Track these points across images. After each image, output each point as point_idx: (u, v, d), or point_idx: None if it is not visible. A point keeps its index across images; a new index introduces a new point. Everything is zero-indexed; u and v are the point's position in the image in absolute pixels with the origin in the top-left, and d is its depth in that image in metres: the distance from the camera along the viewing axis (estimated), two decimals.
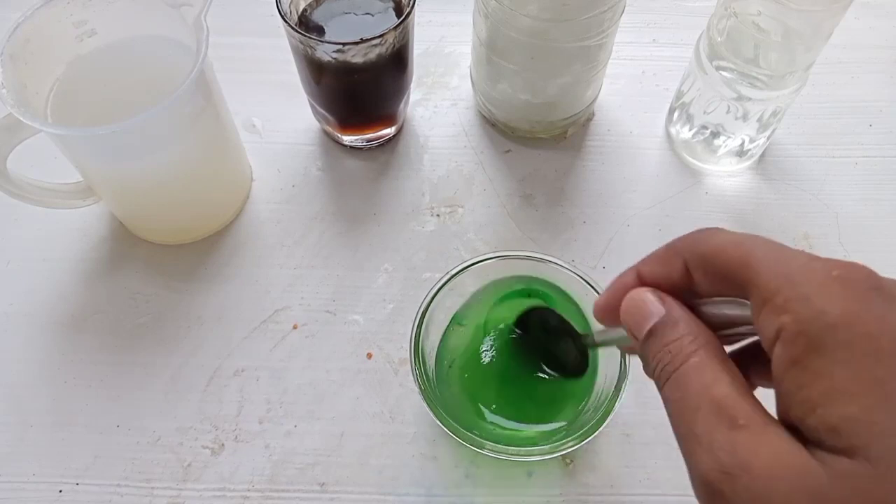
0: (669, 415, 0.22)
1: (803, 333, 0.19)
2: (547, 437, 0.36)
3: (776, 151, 0.51)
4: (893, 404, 0.18)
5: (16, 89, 0.37)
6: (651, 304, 0.23)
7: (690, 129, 0.49)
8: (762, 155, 0.50)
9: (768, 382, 0.21)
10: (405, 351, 0.42)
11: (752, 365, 0.23)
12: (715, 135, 0.48)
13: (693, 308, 0.23)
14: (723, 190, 0.49)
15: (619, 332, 0.27)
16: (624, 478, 0.39)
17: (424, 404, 0.35)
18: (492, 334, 0.38)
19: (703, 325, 0.23)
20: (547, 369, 0.37)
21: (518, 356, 0.38)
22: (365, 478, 0.39)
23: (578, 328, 0.35)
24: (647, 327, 0.23)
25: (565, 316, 0.36)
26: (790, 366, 0.19)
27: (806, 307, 0.19)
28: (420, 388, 0.35)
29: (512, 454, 0.34)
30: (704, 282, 0.23)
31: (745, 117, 0.45)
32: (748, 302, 0.21)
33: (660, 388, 0.22)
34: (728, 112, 0.46)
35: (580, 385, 0.38)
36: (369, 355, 0.43)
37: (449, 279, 0.38)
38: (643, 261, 0.25)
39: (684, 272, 0.24)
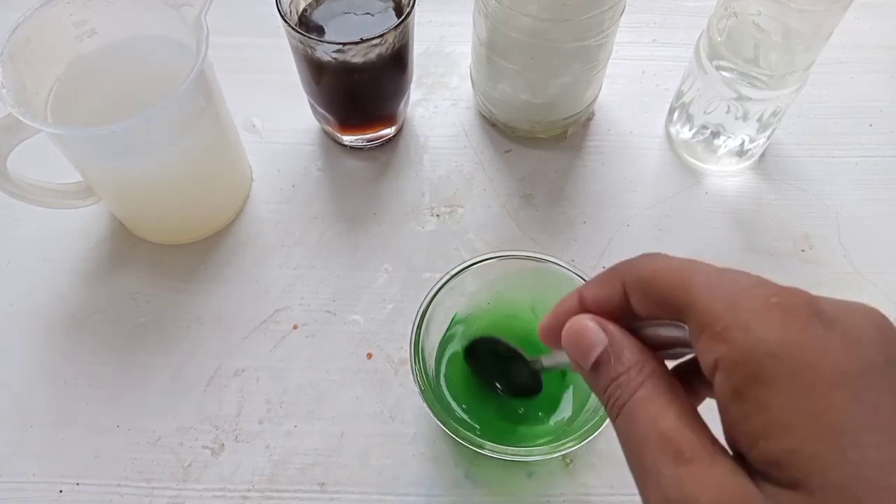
0: (622, 448, 0.21)
1: (742, 363, 0.19)
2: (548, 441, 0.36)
3: (776, 151, 0.51)
4: (833, 436, 0.18)
5: (16, 89, 0.37)
6: (593, 333, 0.23)
7: (690, 129, 0.49)
8: (762, 155, 0.50)
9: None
10: (405, 351, 0.42)
11: (698, 378, 0.23)
12: (715, 135, 0.48)
13: (633, 331, 0.23)
14: (723, 190, 0.49)
15: (564, 358, 0.26)
16: (624, 478, 0.39)
17: (424, 404, 0.35)
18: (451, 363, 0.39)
19: (647, 351, 0.22)
20: (502, 391, 0.38)
21: (477, 381, 0.39)
22: (365, 478, 0.39)
23: (527, 354, 0.35)
24: (592, 358, 0.23)
25: (512, 343, 0.36)
26: (732, 397, 0.19)
27: (744, 336, 0.19)
28: (420, 388, 0.35)
29: (512, 454, 0.34)
30: (643, 306, 0.23)
31: (745, 117, 0.45)
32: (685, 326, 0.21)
33: (613, 422, 0.22)
34: (728, 112, 0.46)
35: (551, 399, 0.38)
36: (369, 355, 0.43)
37: (449, 279, 0.38)
38: (585, 284, 0.25)
39: (623, 296, 0.23)
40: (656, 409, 0.21)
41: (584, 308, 0.24)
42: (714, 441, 0.20)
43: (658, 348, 0.23)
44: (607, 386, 0.22)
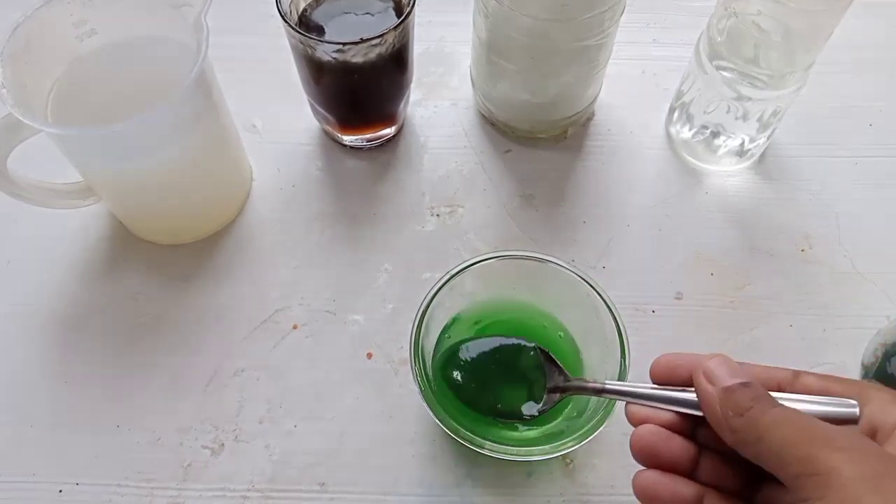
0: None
1: None
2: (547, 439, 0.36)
3: (776, 151, 0.51)
4: None
5: (16, 89, 0.37)
6: (741, 372, 0.26)
7: (690, 129, 0.49)
8: (762, 155, 0.50)
9: None
10: (405, 351, 0.42)
11: None
12: (715, 135, 0.48)
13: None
14: (723, 190, 0.49)
15: (624, 389, 0.30)
16: (624, 478, 0.39)
17: (424, 404, 0.35)
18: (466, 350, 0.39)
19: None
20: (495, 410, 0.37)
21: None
22: (365, 478, 0.39)
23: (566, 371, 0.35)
24: (732, 381, 0.26)
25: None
26: None
27: None
28: (420, 388, 0.35)
29: (512, 454, 0.34)
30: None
31: (745, 117, 0.45)
32: None
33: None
34: (728, 112, 0.46)
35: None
36: (369, 355, 0.43)
37: (449, 279, 0.38)
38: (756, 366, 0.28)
39: (790, 381, 0.27)
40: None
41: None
42: None
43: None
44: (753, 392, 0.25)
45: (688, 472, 0.27)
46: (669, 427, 0.28)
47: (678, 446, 0.28)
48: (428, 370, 0.37)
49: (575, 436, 0.34)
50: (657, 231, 0.47)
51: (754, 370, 0.28)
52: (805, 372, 0.27)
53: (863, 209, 0.48)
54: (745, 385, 0.25)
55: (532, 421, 0.36)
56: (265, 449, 0.40)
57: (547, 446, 0.34)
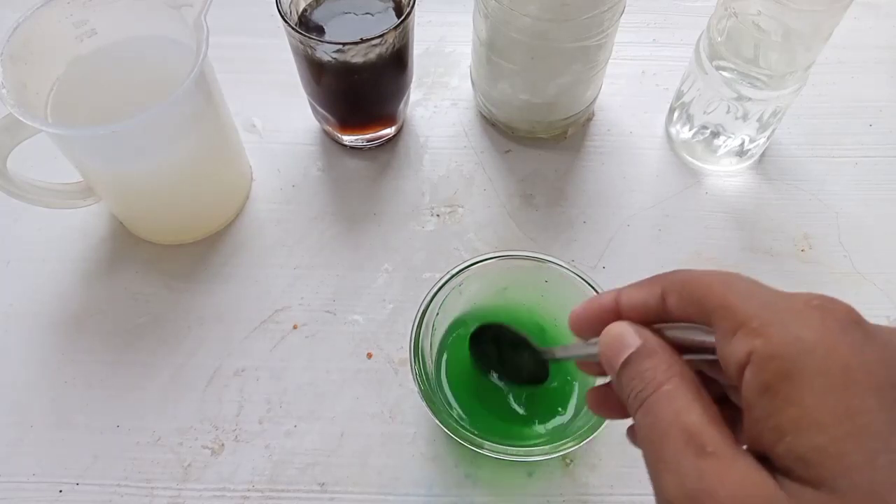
0: (640, 440, 0.22)
1: (776, 357, 0.19)
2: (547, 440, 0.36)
3: (776, 151, 0.51)
4: (864, 437, 0.18)
5: (16, 89, 0.37)
6: (629, 337, 0.23)
7: (690, 129, 0.49)
8: (762, 155, 0.50)
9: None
10: (405, 351, 0.42)
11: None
12: (715, 135, 0.48)
13: (658, 332, 0.24)
14: (723, 190, 0.49)
15: (584, 350, 0.27)
16: (624, 478, 0.39)
17: (424, 404, 0.35)
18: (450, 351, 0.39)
19: (676, 353, 0.23)
20: (503, 379, 0.38)
21: (478, 369, 0.38)
22: (365, 478, 0.39)
23: (537, 344, 0.35)
24: (623, 357, 0.23)
25: (521, 332, 0.36)
26: (761, 392, 0.19)
27: (781, 331, 0.19)
28: (420, 388, 0.35)
29: (512, 454, 0.34)
30: (678, 307, 0.23)
31: (745, 117, 0.45)
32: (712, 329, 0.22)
33: (633, 414, 0.22)
34: (728, 112, 0.46)
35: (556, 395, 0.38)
36: (369, 355, 0.43)
37: (449, 279, 0.38)
38: (624, 287, 0.25)
39: (660, 299, 0.24)
40: (681, 404, 0.21)
41: (617, 306, 0.25)
42: (736, 442, 0.20)
43: (682, 352, 0.23)
44: (633, 378, 0.22)
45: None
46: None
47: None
48: (428, 370, 0.37)
49: (575, 436, 0.34)
50: (657, 231, 0.47)
51: (591, 308, 0.26)
52: (622, 289, 0.25)
53: (863, 209, 0.48)
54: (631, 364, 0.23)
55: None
56: (265, 449, 0.40)
57: (547, 446, 0.34)
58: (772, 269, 0.46)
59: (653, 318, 0.24)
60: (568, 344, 0.30)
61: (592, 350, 0.26)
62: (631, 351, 0.23)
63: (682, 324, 0.23)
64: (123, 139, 0.38)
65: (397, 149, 0.51)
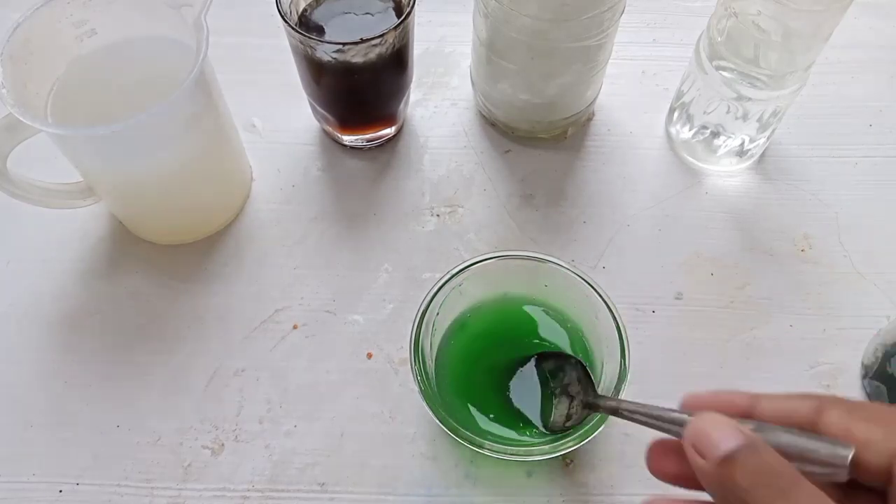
0: None
1: None
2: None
3: (776, 151, 0.51)
4: None
5: (16, 89, 0.37)
6: (735, 431, 0.23)
7: (690, 129, 0.49)
8: (762, 155, 0.50)
9: None
10: (405, 351, 0.42)
11: None
12: (715, 135, 0.48)
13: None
14: (723, 190, 0.49)
15: (663, 415, 0.26)
16: (624, 478, 0.39)
17: (424, 404, 0.35)
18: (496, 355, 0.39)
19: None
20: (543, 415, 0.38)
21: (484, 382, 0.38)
22: (365, 478, 0.39)
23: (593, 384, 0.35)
24: (727, 448, 0.22)
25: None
26: None
27: None
28: (420, 388, 0.35)
29: (512, 454, 0.34)
30: (840, 419, 0.23)
31: (745, 117, 0.45)
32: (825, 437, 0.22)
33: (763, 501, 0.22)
34: (728, 112, 0.46)
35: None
36: (369, 355, 0.43)
37: (449, 279, 0.38)
38: (767, 394, 0.25)
39: (810, 410, 0.24)
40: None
41: (752, 410, 0.25)
42: None
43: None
44: (757, 465, 0.22)
45: None
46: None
47: None
48: (428, 370, 0.37)
49: (575, 436, 0.34)
50: (657, 231, 0.47)
51: (718, 399, 0.26)
52: (763, 395, 0.25)
53: (863, 209, 0.48)
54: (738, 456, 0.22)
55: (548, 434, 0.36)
56: (265, 449, 0.40)
57: (547, 446, 0.34)
58: (772, 269, 0.46)
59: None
60: (641, 402, 0.29)
61: (674, 417, 0.25)
62: (734, 444, 0.22)
63: (793, 429, 0.23)
64: (123, 139, 0.38)
65: (397, 149, 0.51)
